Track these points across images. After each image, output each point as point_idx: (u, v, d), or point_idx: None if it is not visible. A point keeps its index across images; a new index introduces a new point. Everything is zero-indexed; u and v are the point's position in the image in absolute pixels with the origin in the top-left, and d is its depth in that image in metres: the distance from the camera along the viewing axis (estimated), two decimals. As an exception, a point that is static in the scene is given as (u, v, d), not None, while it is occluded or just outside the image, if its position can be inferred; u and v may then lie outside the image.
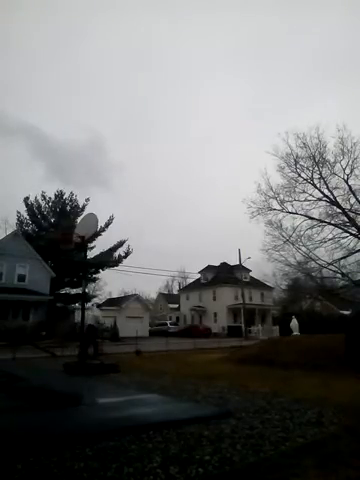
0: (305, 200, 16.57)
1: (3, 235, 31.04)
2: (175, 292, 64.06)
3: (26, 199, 35.23)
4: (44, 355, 14.56)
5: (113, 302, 40.48)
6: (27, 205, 35.15)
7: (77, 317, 27.52)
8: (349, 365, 9.31)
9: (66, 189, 43.57)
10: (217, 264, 46.38)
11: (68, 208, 36.48)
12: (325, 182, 16.26)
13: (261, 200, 16.96)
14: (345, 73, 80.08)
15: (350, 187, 15.89)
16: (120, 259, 36.40)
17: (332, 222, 16.18)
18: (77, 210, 36.22)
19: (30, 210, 35.18)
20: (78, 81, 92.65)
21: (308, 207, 16.51)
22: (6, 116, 73.51)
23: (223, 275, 42.27)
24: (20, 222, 34.82)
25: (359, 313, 12.94)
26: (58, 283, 32.41)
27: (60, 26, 77.23)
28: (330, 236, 16.04)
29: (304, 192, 16.59)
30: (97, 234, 31.99)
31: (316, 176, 16.39)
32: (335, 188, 16.19)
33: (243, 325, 34.83)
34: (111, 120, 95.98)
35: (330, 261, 15.97)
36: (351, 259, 16.04)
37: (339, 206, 16.01)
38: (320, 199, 16.43)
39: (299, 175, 16.65)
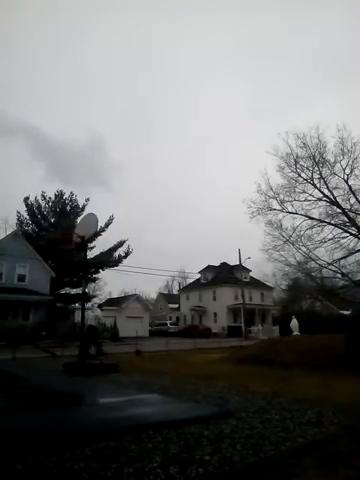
0: (305, 200, 16.60)
1: (3, 235, 31.15)
2: (175, 292, 64.09)
3: (26, 199, 35.27)
4: (44, 355, 14.58)
5: (113, 302, 40.48)
6: (27, 205, 35.17)
7: (77, 317, 27.59)
8: (349, 365, 9.31)
9: (66, 189, 43.65)
10: (217, 264, 46.37)
11: (68, 208, 36.48)
12: (325, 182, 16.27)
13: (261, 200, 16.99)
14: (345, 73, 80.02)
15: (350, 187, 15.91)
16: (120, 259, 36.41)
17: (332, 222, 16.19)
18: (77, 210, 36.22)
19: (30, 210, 35.19)
20: (78, 81, 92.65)
21: (308, 207, 16.54)
22: (6, 116, 73.52)
23: (223, 275, 42.25)
24: (20, 222, 34.84)
25: (359, 313, 12.95)
26: (58, 283, 32.38)
27: (60, 26, 77.11)
28: (330, 236, 16.07)
29: (304, 192, 16.62)
30: (97, 234, 31.98)
31: (316, 176, 16.41)
32: (335, 188, 16.22)
33: (243, 325, 34.82)
34: (111, 120, 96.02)
35: (330, 261, 15.99)
36: (351, 259, 16.07)
37: (339, 206, 16.01)
38: (320, 199, 16.44)
39: (299, 175, 16.66)
